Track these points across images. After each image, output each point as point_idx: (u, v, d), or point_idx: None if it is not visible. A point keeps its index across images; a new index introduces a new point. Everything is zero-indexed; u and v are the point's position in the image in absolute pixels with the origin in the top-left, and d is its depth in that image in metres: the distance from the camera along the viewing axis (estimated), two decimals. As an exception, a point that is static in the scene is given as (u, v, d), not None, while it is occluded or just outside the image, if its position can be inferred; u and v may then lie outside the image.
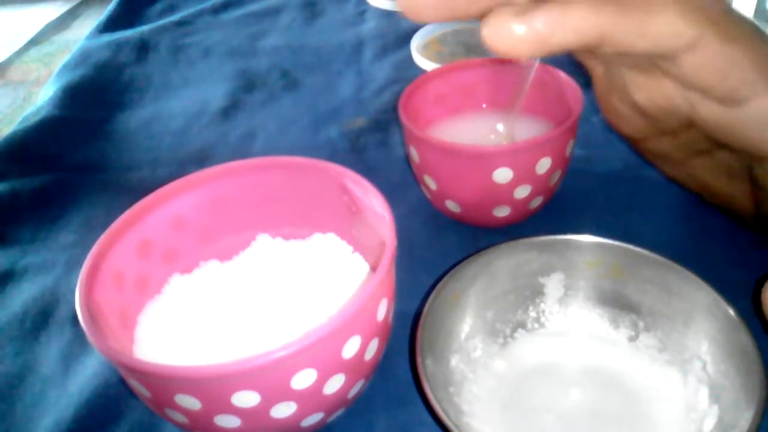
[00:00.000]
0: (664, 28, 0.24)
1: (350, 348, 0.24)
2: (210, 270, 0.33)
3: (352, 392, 0.27)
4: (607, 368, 0.29)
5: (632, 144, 0.35)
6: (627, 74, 0.29)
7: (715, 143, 0.30)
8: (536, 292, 0.31)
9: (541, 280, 0.31)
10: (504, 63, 0.42)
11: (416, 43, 0.59)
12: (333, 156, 0.32)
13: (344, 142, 0.49)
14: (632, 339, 0.30)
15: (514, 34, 0.23)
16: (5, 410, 0.32)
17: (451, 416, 0.24)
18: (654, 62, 0.26)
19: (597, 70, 0.31)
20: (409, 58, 0.58)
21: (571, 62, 0.33)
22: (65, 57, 0.65)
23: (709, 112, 0.27)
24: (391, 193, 0.29)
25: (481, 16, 0.25)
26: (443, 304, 0.28)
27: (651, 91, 0.29)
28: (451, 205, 0.37)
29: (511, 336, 0.31)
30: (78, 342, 0.35)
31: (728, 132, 0.28)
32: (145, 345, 0.29)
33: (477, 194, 0.35)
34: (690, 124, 0.29)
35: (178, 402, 0.23)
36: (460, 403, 0.27)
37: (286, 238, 0.34)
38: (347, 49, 0.62)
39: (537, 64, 0.34)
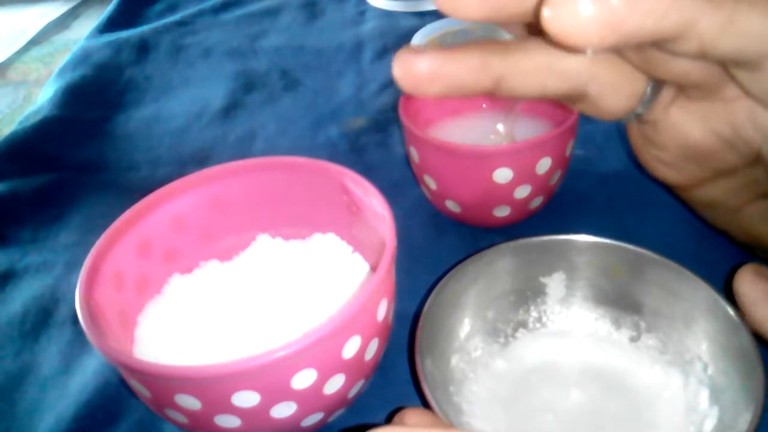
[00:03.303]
0: (757, 26, 0.20)
1: (350, 348, 0.24)
2: (210, 270, 0.33)
3: (352, 392, 0.27)
4: (608, 368, 0.29)
5: (678, 192, 0.31)
6: (682, 106, 0.25)
7: None
8: (538, 292, 0.31)
9: (543, 280, 0.31)
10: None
11: (416, 43, 0.59)
12: (333, 156, 0.32)
13: (344, 142, 0.49)
14: (634, 339, 0.30)
15: (581, 16, 0.19)
16: (5, 410, 0.32)
17: (451, 416, 0.24)
18: (728, 73, 0.22)
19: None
20: (409, 58, 0.58)
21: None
22: (65, 57, 0.65)
23: None
24: (391, 193, 0.29)
25: (531, 18, 0.22)
26: (443, 304, 0.28)
27: (713, 120, 0.25)
28: (451, 205, 0.37)
29: (513, 336, 0.31)
30: (78, 342, 0.35)
31: None
32: (145, 345, 0.29)
33: (477, 194, 0.35)
34: (755, 159, 0.25)
35: (178, 402, 0.23)
36: (460, 402, 0.27)
37: (286, 238, 0.34)
38: (347, 49, 0.62)
39: None
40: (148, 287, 0.31)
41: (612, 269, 0.30)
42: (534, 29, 0.23)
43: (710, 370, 0.27)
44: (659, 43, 0.21)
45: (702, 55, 0.21)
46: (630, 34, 0.19)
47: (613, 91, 0.24)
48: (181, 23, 0.70)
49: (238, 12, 0.71)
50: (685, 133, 0.26)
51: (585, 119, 0.37)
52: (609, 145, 0.44)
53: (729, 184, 0.28)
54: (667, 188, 0.31)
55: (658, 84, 0.25)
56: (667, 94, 0.25)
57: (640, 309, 0.30)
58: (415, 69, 0.23)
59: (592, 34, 0.19)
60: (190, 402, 0.23)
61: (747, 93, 0.23)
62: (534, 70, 0.23)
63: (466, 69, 0.23)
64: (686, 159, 0.27)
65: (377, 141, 0.48)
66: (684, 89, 0.25)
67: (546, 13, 0.19)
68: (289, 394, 0.24)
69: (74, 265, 0.39)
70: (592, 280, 0.31)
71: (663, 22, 0.19)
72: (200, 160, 0.48)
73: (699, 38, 0.20)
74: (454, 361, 0.29)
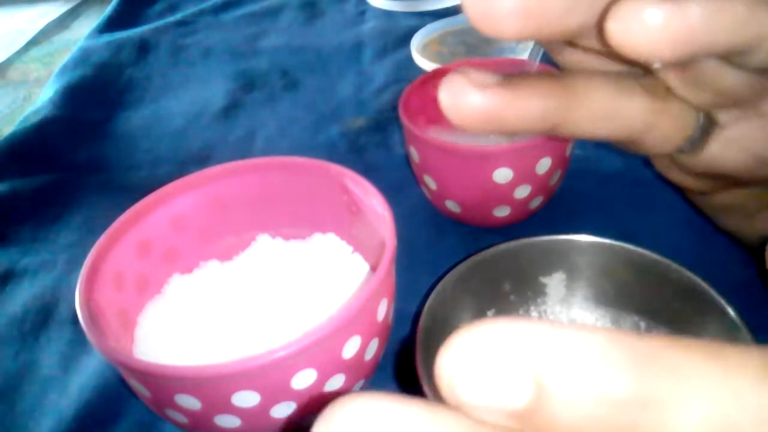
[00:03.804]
0: None
1: (350, 348, 0.24)
2: (210, 270, 0.33)
3: (352, 392, 0.27)
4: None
5: (692, 196, 0.31)
6: (719, 136, 0.24)
7: None
8: (538, 292, 0.31)
9: (543, 280, 0.31)
10: (504, 63, 0.42)
11: (416, 43, 0.59)
12: (333, 156, 0.32)
13: (344, 142, 0.49)
14: (632, 339, 0.30)
15: (651, 26, 0.17)
16: (5, 410, 0.32)
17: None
18: None
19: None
20: (409, 58, 0.58)
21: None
22: (65, 57, 0.65)
23: None
24: (391, 193, 0.29)
25: (572, 35, 0.21)
26: (443, 304, 0.28)
27: (751, 143, 0.24)
28: (451, 205, 0.37)
29: (511, 336, 0.31)
30: (78, 342, 0.35)
31: None
32: (145, 345, 0.29)
33: (477, 194, 0.35)
34: None
35: (178, 402, 0.23)
36: (460, 403, 0.27)
37: (286, 238, 0.34)
38: (347, 49, 0.62)
39: (537, 63, 0.34)
40: (148, 287, 0.31)
41: (612, 269, 0.30)
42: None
43: (710, 370, 0.27)
44: (729, 56, 0.20)
45: (764, 71, 0.20)
46: (701, 48, 0.18)
47: (666, 137, 0.24)
48: (181, 23, 0.70)
49: (238, 12, 0.71)
50: (723, 159, 0.25)
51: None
52: (609, 145, 0.44)
53: (750, 191, 0.27)
54: (677, 189, 0.31)
55: (706, 123, 0.24)
56: (713, 130, 0.25)
57: (640, 309, 0.30)
58: (468, 104, 0.20)
59: (663, 47, 0.18)
60: (190, 402, 0.23)
61: None
62: (592, 118, 0.22)
63: (524, 116, 0.21)
64: (716, 178, 0.27)
65: (377, 141, 0.48)
66: (721, 115, 0.24)
67: (612, 26, 0.17)
68: (289, 394, 0.24)
69: (74, 265, 0.39)
70: (592, 280, 0.31)
71: (739, 35, 0.18)
72: (200, 160, 0.48)
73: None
74: (454, 361, 0.29)
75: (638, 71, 0.24)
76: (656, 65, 0.22)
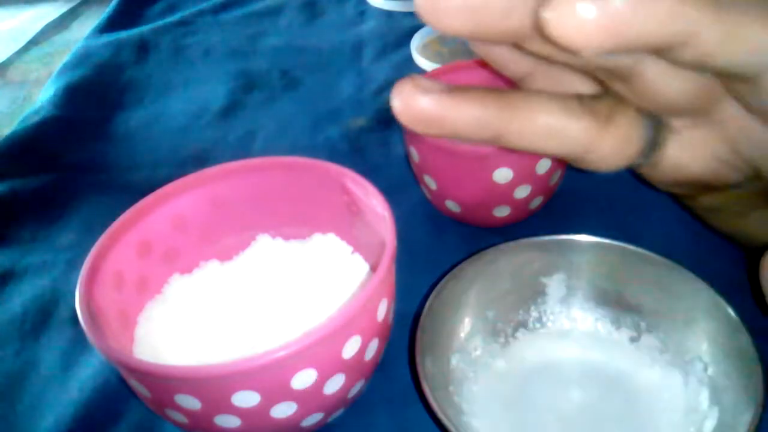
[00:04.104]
0: (757, 40, 0.19)
1: (350, 348, 0.24)
2: (210, 270, 0.33)
3: (352, 392, 0.27)
4: (608, 369, 0.29)
5: (681, 200, 0.31)
6: (675, 142, 0.25)
7: None
8: (538, 292, 0.31)
9: (543, 280, 0.31)
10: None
11: (416, 43, 0.59)
12: (333, 156, 0.32)
13: (344, 142, 0.49)
14: (634, 340, 0.30)
15: (582, 18, 0.18)
16: (5, 410, 0.32)
17: (451, 416, 0.24)
18: (726, 86, 0.22)
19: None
20: (409, 58, 0.58)
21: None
22: (65, 57, 0.65)
23: None
24: (391, 193, 0.29)
25: (514, 36, 0.22)
26: (443, 304, 0.28)
27: (709, 144, 0.25)
28: (451, 205, 0.37)
29: (513, 336, 0.31)
30: (78, 342, 0.35)
31: None
32: (145, 345, 0.29)
33: (477, 194, 0.35)
34: (755, 175, 0.25)
35: (178, 402, 0.23)
36: (460, 402, 0.27)
37: (286, 238, 0.34)
38: (347, 49, 0.62)
39: None
40: (148, 287, 0.31)
41: (612, 269, 0.30)
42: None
43: (710, 371, 0.27)
44: (658, 51, 0.20)
45: (701, 65, 0.20)
46: (631, 39, 0.19)
47: (612, 155, 0.24)
48: (181, 23, 0.70)
49: (238, 12, 0.71)
50: (684, 166, 0.26)
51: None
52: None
53: (734, 193, 0.28)
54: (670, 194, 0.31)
55: (655, 134, 0.25)
56: (662, 138, 0.25)
57: (640, 309, 0.30)
58: (415, 107, 0.22)
59: (592, 38, 0.18)
60: (190, 402, 0.23)
61: (745, 107, 0.23)
62: (533, 133, 0.23)
63: (465, 121, 0.22)
64: (689, 184, 0.27)
65: (377, 141, 0.48)
66: (675, 122, 0.25)
67: (546, 15, 0.18)
68: (289, 394, 0.24)
69: (74, 265, 0.39)
70: (592, 280, 0.31)
71: (665, 29, 0.19)
72: (200, 160, 0.48)
73: (700, 48, 0.19)
74: (454, 361, 0.29)
75: (585, 94, 0.25)
76: (587, 55, 0.22)
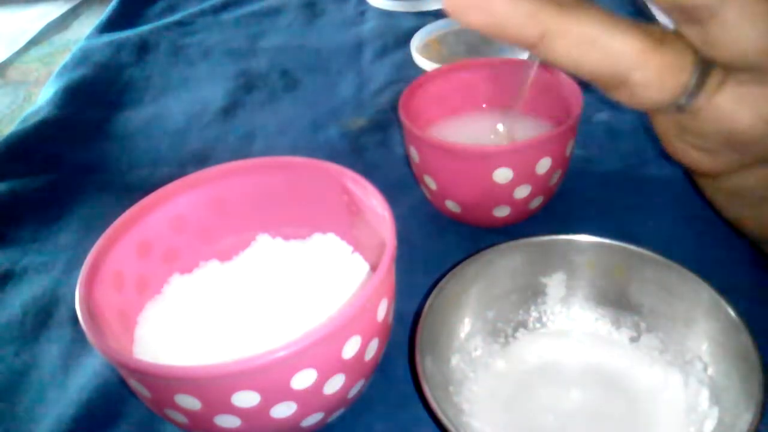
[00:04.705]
0: None
1: (350, 348, 0.24)
2: (210, 270, 0.33)
3: (352, 392, 0.27)
4: (608, 369, 0.29)
5: (703, 180, 0.30)
6: (731, 93, 0.24)
7: None
8: (538, 292, 0.31)
9: (543, 279, 0.31)
10: (504, 63, 0.42)
11: (416, 43, 0.59)
12: (333, 156, 0.32)
13: (344, 142, 0.49)
14: (634, 339, 0.30)
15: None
16: (6, 410, 0.32)
17: (451, 415, 0.24)
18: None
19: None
20: (409, 58, 0.58)
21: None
22: (65, 57, 0.65)
23: None
24: (391, 193, 0.29)
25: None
26: (443, 304, 0.28)
27: (765, 105, 0.24)
28: (451, 205, 0.37)
29: (513, 336, 0.31)
30: (78, 342, 0.35)
31: None
32: (145, 345, 0.29)
33: (477, 194, 0.35)
34: None
35: (178, 402, 0.23)
36: (460, 402, 0.27)
37: (286, 238, 0.34)
38: (347, 49, 0.62)
39: (537, 63, 0.34)
40: (148, 287, 0.31)
41: (612, 269, 0.30)
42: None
43: (710, 371, 0.27)
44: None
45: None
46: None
47: (657, 81, 0.23)
48: (181, 23, 0.70)
49: (238, 12, 0.71)
50: (732, 120, 0.24)
51: (585, 119, 0.37)
52: (609, 145, 0.44)
53: (764, 173, 0.27)
54: (688, 175, 0.29)
55: (703, 74, 0.24)
56: (713, 81, 0.24)
57: (640, 309, 0.30)
58: None
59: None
60: (190, 402, 0.23)
61: None
62: (579, 38, 0.23)
63: (515, 10, 0.22)
64: (727, 146, 0.26)
65: (377, 141, 0.48)
66: (735, 74, 0.24)
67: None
68: (289, 394, 0.24)
69: (74, 265, 0.39)
70: (592, 280, 0.31)
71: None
72: (200, 160, 0.48)
73: None
74: (454, 361, 0.29)
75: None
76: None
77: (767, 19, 0.22)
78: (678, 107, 0.25)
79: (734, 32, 0.22)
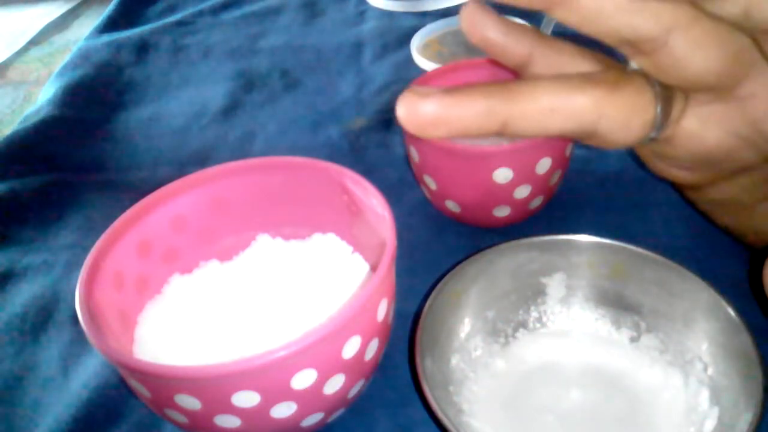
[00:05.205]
0: None
1: (350, 348, 0.24)
2: (210, 270, 0.33)
3: (352, 392, 0.27)
4: (608, 369, 0.29)
5: (687, 192, 0.31)
6: (694, 115, 0.25)
7: None
8: (538, 292, 0.31)
9: (543, 280, 0.31)
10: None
11: (416, 43, 0.59)
12: (333, 156, 0.32)
13: (344, 142, 0.49)
14: (634, 340, 0.30)
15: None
16: (5, 410, 0.32)
17: (451, 415, 0.24)
18: (761, 49, 0.23)
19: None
20: (409, 58, 0.58)
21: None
22: (65, 57, 0.65)
23: None
24: (391, 193, 0.29)
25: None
26: (443, 304, 0.28)
27: (729, 120, 0.25)
28: (451, 205, 0.37)
29: (513, 336, 0.31)
30: (78, 342, 0.35)
31: None
32: (145, 345, 0.29)
33: (477, 194, 0.35)
34: None
35: (178, 402, 0.23)
36: (460, 402, 0.27)
37: (286, 238, 0.34)
38: (347, 49, 0.62)
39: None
40: (148, 287, 0.31)
41: (612, 269, 0.30)
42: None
43: (710, 371, 0.27)
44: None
45: (745, 19, 0.21)
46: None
47: (623, 125, 0.24)
48: (181, 23, 0.70)
49: (238, 12, 0.71)
50: (701, 140, 0.26)
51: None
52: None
53: (745, 181, 0.27)
54: (674, 188, 0.30)
55: (666, 104, 0.24)
56: (677, 109, 0.25)
57: (640, 309, 0.30)
58: (420, 113, 0.22)
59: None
60: (190, 402, 0.23)
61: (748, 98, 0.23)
62: (539, 114, 0.23)
63: (470, 114, 0.23)
64: (702, 163, 0.27)
65: (377, 141, 0.48)
66: (695, 95, 0.25)
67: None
68: (289, 394, 0.24)
69: (74, 265, 0.39)
70: (592, 280, 0.31)
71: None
72: (200, 160, 0.48)
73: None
74: (454, 361, 0.29)
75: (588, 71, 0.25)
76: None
77: (715, 40, 0.23)
78: (650, 140, 0.25)
79: (686, 59, 0.23)
